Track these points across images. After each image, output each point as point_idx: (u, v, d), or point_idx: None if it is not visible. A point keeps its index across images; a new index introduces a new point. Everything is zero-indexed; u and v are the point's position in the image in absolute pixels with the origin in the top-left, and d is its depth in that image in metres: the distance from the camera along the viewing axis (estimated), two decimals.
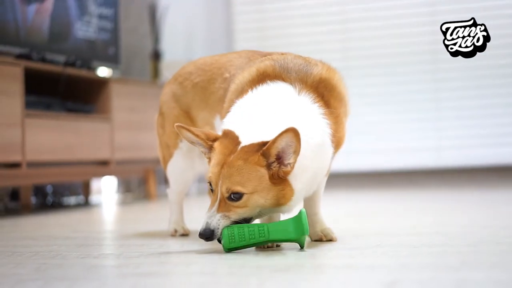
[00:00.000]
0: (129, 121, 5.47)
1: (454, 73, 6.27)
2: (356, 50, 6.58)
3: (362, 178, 6.35)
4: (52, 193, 5.82)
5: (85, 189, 6.03)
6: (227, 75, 2.75)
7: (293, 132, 2.18)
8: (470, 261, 2.03)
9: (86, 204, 5.67)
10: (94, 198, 6.16)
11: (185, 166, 3.02)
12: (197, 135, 2.35)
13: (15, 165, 4.38)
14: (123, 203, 5.64)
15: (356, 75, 6.51)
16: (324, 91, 2.45)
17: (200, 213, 3.19)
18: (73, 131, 4.87)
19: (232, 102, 2.48)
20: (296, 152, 2.22)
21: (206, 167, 2.93)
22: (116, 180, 6.58)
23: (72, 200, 5.98)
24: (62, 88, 4.95)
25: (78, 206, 5.45)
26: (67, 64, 4.98)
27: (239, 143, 2.28)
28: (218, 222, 2.28)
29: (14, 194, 5.41)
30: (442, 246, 2.41)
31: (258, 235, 2.31)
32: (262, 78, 2.46)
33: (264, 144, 2.24)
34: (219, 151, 2.30)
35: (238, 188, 2.25)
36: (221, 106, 2.69)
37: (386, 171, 6.42)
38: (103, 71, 5.72)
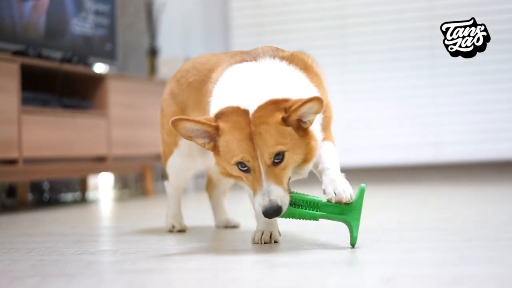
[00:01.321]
0: (126, 117, 5.46)
1: (453, 68, 6.27)
2: (354, 46, 6.58)
3: (360, 173, 6.34)
4: (49, 190, 5.81)
5: (82, 186, 6.02)
6: (213, 76, 2.73)
7: (318, 101, 2.15)
8: (468, 257, 2.03)
9: (83, 200, 5.66)
10: (91, 194, 6.15)
11: (185, 165, 2.99)
12: (199, 122, 2.23)
13: (11, 162, 4.36)
14: (120, 199, 5.64)
15: (354, 70, 6.51)
16: (295, 61, 2.40)
17: (197, 210, 3.18)
18: (70, 128, 4.86)
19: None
20: (317, 112, 2.19)
21: (207, 164, 2.93)
22: (113, 177, 6.57)
23: (69, 196, 5.97)
24: (59, 84, 4.94)
25: (75, 202, 5.44)
26: (63, 60, 4.97)
27: (246, 111, 2.20)
28: (283, 198, 2.18)
29: (11, 191, 5.40)
30: (440, 241, 2.41)
31: (313, 219, 2.28)
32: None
33: (274, 101, 2.19)
34: (234, 127, 2.20)
35: (279, 147, 2.17)
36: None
37: (383, 167, 6.42)
38: (99, 67, 5.71)
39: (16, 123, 4.36)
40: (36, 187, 5.67)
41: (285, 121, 2.18)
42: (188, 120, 2.24)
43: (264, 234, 2.45)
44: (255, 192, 2.19)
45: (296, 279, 1.77)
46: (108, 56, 5.66)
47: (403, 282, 1.69)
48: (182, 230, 3.03)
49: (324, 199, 2.29)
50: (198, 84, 2.80)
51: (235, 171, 2.24)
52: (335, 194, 2.27)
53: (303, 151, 2.24)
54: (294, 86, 2.28)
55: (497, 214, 3.33)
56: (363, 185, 2.29)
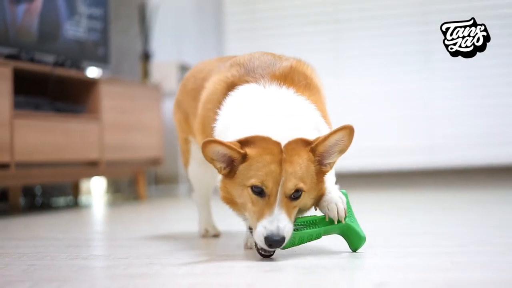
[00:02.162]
0: (119, 122, 5.45)
1: (446, 72, 6.29)
2: (348, 50, 6.58)
3: (352, 178, 6.34)
4: (41, 194, 5.80)
5: (75, 190, 6.01)
6: (206, 85, 2.71)
7: (350, 130, 2.16)
8: (460, 262, 2.03)
9: (75, 205, 5.64)
10: (83, 199, 6.14)
11: (203, 170, 2.94)
12: (229, 147, 2.16)
13: (3, 166, 4.35)
14: (112, 204, 5.62)
15: (347, 74, 6.52)
16: (296, 77, 2.39)
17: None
18: (62, 132, 4.85)
19: (208, 113, 2.46)
20: (343, 151, 2.20)
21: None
22: (105, 181, 6.55)
23: (61, 201, 5.96)
24: (51, 89, 4.93)
25: (67, 207, 5.43)
26: (56, 64, 4.96)
27: (278, 142, 2.17)
28: (289, 231, 2.12)
29: (3, 195, 5.38)
30: (433, 246, 2.41)
31: (315, 237, 2.27)
32: (231, 88, 2.41)
33: (304, 140, 2.18)
34: (264, 153, 2.15)
35: (302, 185, 2.14)
36: None
37: (375, 171, 6.42)
38: (92, 72, 5.69)
39: (8, 127, 4.35)
40: (28, 191, 5.66)
41: (312, 152, 2.18)
42: (220, 143, 2.17)
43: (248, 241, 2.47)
44: (261, 216, 2.12)
45: (288, 284, 1.77)
46: (101, 60, 5.65)
47: (395, 287, 1.69)
48: (216, 235, 3.02)
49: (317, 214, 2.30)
50: (195, 92, 2.78)
51: (244, 195, 2.19)
52: (328, 210, 2.28)
53: (315, 196, 2.24)
54: (310, 122, 2.27)
55: (489, 219, 3.34)
56: (343, 190, 2.32)
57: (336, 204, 2.27)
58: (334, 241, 2.44)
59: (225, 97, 2.38)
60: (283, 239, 2.09)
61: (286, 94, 2.32)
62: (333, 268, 2.00)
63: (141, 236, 3.09)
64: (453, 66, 6.21)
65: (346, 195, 2.31)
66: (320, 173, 2.22)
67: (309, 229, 2.25)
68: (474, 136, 6.21)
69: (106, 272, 2.13)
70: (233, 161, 2.19)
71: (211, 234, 3.01)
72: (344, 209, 2.28)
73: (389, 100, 6.43)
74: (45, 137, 4.70)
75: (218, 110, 2.39)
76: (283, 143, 2.16)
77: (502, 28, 6.10)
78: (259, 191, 2.14)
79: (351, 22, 6.60)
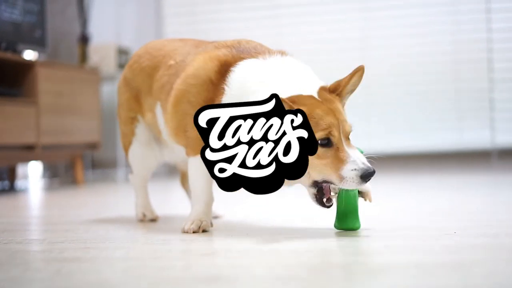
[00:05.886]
0: (56, 105, 5.39)
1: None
2: (288, 35, 6.62)
3: None
4: None
5: (10, 174, 5.92)
6: (171, 62, 2.71)
7: (363, 70, 2.33)
8: (393, 246, 2.08)
9: (11, 189, 5.57)
10: (19, 183, 6.06)
11: (146, 152, 2.97)
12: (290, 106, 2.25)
13: None
14: (49, 188, 5.57)
15: None
16: (289, 53, 2.53)
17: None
18: None
19: (189, 88, 2.48)
20: (353, 91, 2.38)
21: (172, 157, 2.93)
22: (42, 165, 6.48)
23: None
24: None
25: (2, 191, 5.36)
26: None
27: (312, 96, 2.29)
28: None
29: None
30: (367, 230, 2.45)
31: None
32: (224, 66, 2.46)
33: (327, 88, 2.33)
34: (313, 107, 2.24)
35: (351, 126, 2.33)
36: (163, 93, 2.67)
37: None
38: (29, 54, 5.61)
39: None
40: None
41: (339, 96, 2.34)
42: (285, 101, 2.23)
43: (194, 224, 2.47)
44: (340, 163, 2.22)
45: (223, 268, 1.79)
46: (38, 43, 5.57)
47: (328, 270, 1.72)
48: (153, 220, 3.00)
49: None
50: (151, 69, 2.79)
51: (319, 153, 2.26)
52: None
53: None
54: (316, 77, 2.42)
55: (424, 205, 3.41)
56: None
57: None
58: (270, 225, 2.46)
59: (220, 74, 2.44)
60: (374, 170, 2.21)
61: (290, 60, 2.45)
62: (268, 252, 2.03)
63: (78, 221, 3.07)
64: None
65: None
66: None
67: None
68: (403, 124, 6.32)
69: (40, 256, 2.12)
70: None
71: (149, 218, 3.00)
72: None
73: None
74: None
75: (209, 86, 2.45)
76: (315, 94, 2.30)
77: None
78: (325, 143, 2.24)
79: (291, 7, 6.64)
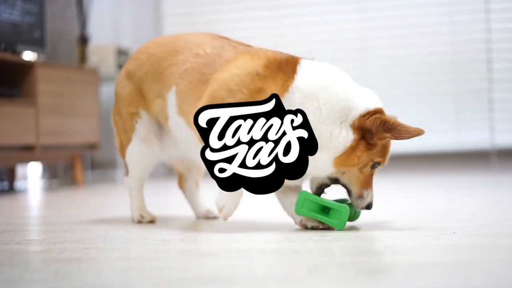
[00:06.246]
0: (55, 106, 5.39)
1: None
2: (285, 37, 6.62)
3: None
4: None
5: (10, 175, 5.92)
6: (199, 51, 2.65)
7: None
8: (394, 245, 2.08)
9: (10, 190, 5.57)
10: (19, 184, 6.05)
11: (145, 150, 2.89)
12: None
13: None
14: (49, 189, 5.56)
15: None
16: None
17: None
18: None
19: (234, 78, 2.47)
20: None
21: (168, 153, 2.92)
22: (41, 166, 6.47)
23: None
24: None
25: (2, 192, 5.35)
26: None
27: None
28: None
29: None
30: (367, 230, 2.45)
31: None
32: (273, 62, 2.49)
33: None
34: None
35: None
36: (186, 77, 2.64)
37: None
38: (28, 55, 5.61)
39: None
40: None
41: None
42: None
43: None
44: (367, 186, 2.42)
45: (222, 268, 1.79)
46: (37, 44, 5.57)
47: (327, 270, 1.72)
48: (152, 221, 2.94)
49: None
50: (166, 53, 2.77)
51: (365, 169, 2.40)
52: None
53: None
54: None
55: (424, 205, 3.40)
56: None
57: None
58: (269, 224, 2.46)
59: (269, 68, 2.45)
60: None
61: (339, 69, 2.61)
62: (268, 252, 2.02)
63: (77, 221, 3.07)
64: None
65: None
66: None
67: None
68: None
69: (40, 256, 2.12)
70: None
71: (147, 220, 2.93)
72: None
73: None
74: None
75: (255, 76, 2.44)
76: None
77: None
78: (375, 166, 2.40)
79: (289, 8, 6.64)
